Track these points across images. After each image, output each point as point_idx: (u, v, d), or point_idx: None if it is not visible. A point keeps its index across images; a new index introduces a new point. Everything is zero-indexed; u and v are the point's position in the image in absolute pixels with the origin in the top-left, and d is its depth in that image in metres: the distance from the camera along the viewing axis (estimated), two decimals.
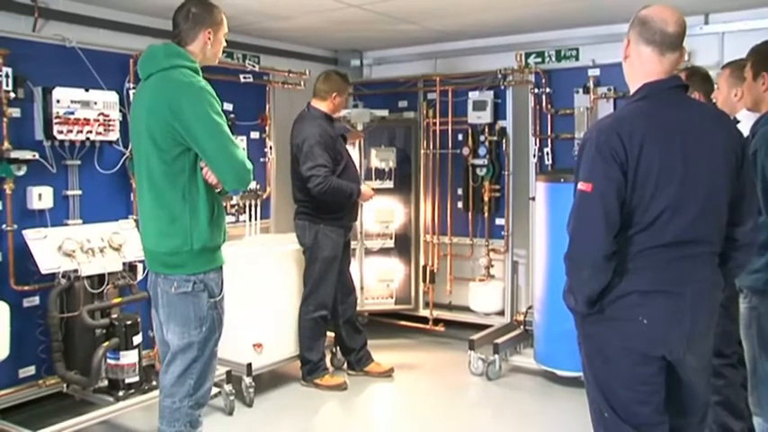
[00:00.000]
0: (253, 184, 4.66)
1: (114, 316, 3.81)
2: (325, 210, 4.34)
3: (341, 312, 4.58)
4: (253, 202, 5.00)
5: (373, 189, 4.64)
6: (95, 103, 3.98)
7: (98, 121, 3.99)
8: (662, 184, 2.01)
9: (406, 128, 5.74)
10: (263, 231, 5.15)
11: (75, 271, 3.75)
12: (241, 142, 4.85)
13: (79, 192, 4.10)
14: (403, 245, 5.63)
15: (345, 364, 4.74)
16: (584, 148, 2.09)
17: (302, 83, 5.40)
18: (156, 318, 2.71)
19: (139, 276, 4.07)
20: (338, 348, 4.77)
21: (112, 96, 4.08)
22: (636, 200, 2.02)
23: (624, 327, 2.07)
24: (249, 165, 2.56)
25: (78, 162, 4.08)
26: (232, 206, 4.90)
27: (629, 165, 2.00)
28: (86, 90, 3.95)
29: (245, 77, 5.02)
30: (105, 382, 3.76)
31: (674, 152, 2.03)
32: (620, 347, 2.09)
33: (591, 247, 2.04)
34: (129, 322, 3.75)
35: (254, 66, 5.13)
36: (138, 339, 3.78)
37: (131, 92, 4.20)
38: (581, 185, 2.05)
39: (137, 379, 3.76)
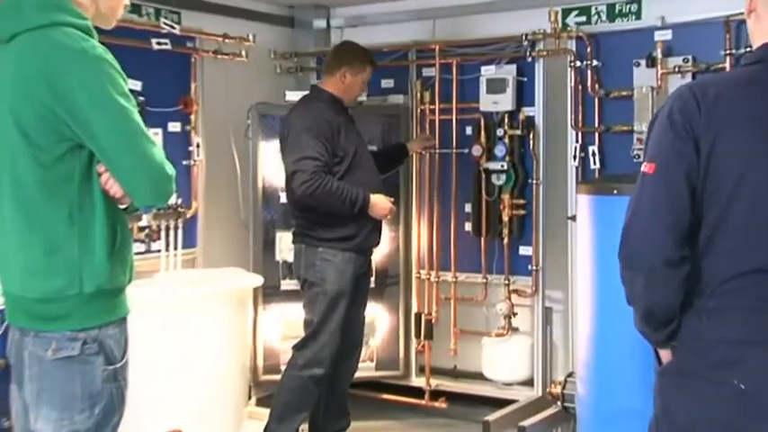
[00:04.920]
0: (172, 198, 4.62)
1: None
2: (324, 225, 4.36)
3: (337, 375, 4.58)
4: (171, 224, 5.00)
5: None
6: None
7: None
8: (749, 182, 2.03)
9: (391, 117, 5.79)
10: (187, 265, 5.16)
11: None
12: (156, 137, 4.79)
13: None
14: (387, 284, 5.66)
15: None
16: (656, 118, 2.19)
17: (243, 52, 5.44)
18: (17, 398, 2.64)
19: None
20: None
21: None
22: (707, 199, 2.06)
23: (707, 390, 2.08)
24: (171, 169, 2.55)
25: None
26: (141, 229, 4.89)
27: (702, 142, 2.05)
28: None
29: (159, 43, 5.02)
30: None
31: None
32: (700, 418, 2.09)
33: (647, 245, 2.09)
34: None
35: (172, 27, 5.12)
36: None
37: None
38: (644, 167, 2.15)
39: None
